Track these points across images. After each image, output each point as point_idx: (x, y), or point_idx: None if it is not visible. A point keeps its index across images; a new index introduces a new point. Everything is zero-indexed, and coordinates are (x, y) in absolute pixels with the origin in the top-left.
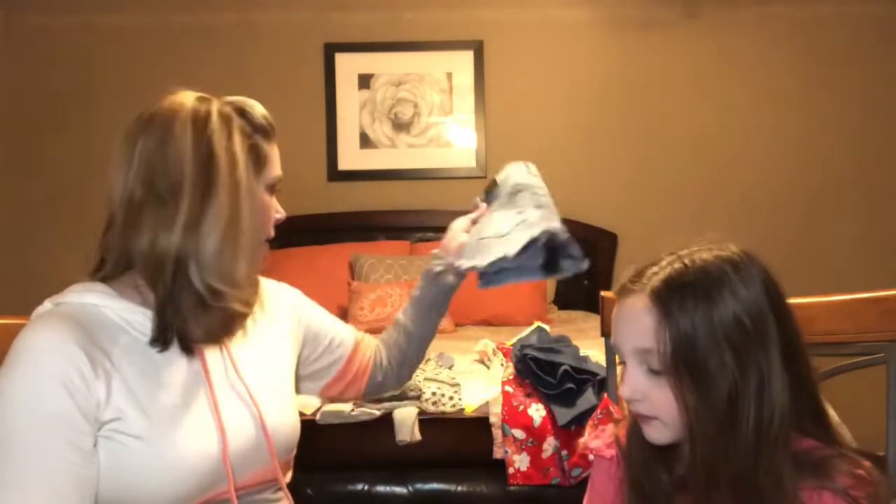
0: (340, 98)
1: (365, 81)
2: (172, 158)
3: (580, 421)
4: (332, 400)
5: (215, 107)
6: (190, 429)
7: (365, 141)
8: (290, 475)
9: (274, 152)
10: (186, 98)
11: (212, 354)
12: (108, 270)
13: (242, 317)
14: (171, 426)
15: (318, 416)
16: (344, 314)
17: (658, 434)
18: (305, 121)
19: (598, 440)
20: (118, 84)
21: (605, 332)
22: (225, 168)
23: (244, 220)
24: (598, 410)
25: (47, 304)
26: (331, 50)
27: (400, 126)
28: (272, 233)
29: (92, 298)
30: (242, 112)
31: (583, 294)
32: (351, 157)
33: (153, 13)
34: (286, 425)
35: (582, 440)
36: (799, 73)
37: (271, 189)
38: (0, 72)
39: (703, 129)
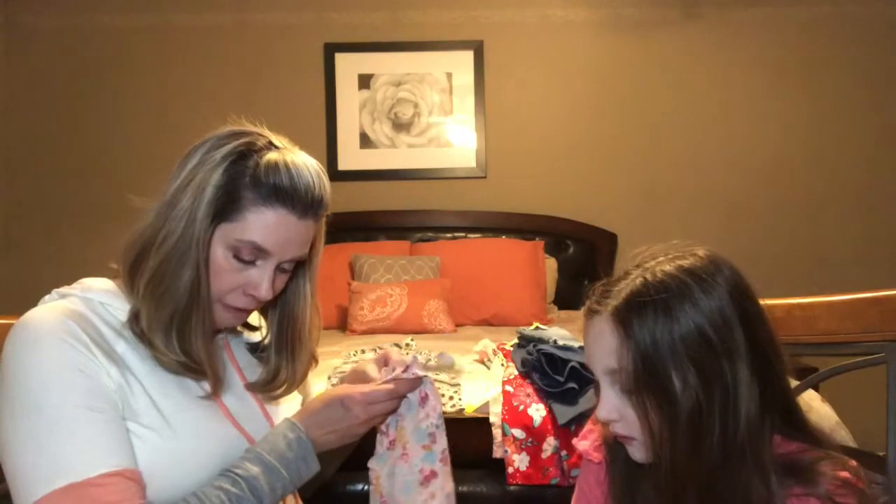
0: (340, 98)
1: (365, 81)
2: (174, 175)
3: (580, 421)
4: None
5: (241, 143)
6: (202, 426)
7: (365, 141)
8: None
9: (262, 217)
10: (237, 131)
11: (229, 367)
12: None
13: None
14: (184, 423)
15: None
16: (344, 314)
17: (640, 454)
18: (305, 121)
19: (585, 441)
20: (118, 84)
21: None
22: (187, 191)
23: (168, 238)
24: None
25: (54, 295)
26: (331, 50)
27: (400, 126)
28: (229, 300)
29: (98, 297)
30: (250, 154)
31: (583, 294)
32: (351, 157)
33: (153, 13)
34: None
35: (574, 439)
36: (799, 72)
37: (235, 251)
38: (0, 72)
39: (703, 129)
